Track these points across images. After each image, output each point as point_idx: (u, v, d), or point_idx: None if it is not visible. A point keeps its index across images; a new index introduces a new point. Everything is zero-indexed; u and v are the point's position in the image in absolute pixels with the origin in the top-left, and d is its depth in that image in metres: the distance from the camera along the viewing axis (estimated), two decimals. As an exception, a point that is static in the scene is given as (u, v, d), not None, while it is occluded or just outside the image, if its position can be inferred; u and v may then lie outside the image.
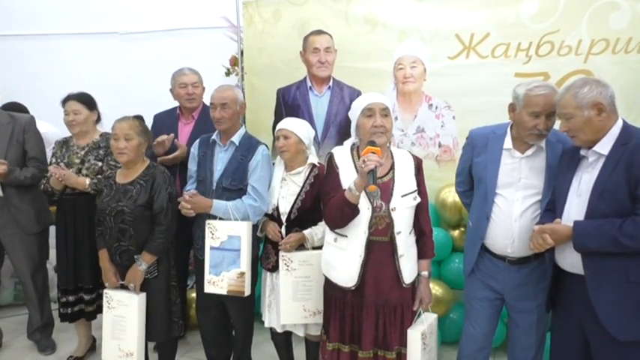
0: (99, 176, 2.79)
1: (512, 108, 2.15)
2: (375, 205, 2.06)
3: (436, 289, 3.03)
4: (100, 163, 2.86)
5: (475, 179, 2.30)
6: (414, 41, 3.29)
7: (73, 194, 2.84)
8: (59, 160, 2.90)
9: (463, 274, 2.36)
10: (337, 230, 2.12)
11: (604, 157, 1.87)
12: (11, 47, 4.57)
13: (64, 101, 2.90)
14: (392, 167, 2.13)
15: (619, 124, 1.89)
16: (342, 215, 2.03)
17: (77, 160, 2.88)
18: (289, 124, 2.52)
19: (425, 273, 2.20)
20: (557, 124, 2.14)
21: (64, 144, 2.97)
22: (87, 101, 2.92)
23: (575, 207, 1.91)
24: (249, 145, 2.58)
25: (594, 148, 1.89)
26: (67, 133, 2.99)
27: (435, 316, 2.25)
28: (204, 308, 2.73)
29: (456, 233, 3.22)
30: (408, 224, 2.12)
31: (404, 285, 2.11)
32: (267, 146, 2.64)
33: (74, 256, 2.90)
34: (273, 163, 2.64)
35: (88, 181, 2.76)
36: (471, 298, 2.32)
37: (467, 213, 2.64)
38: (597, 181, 1.86)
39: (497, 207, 2.17)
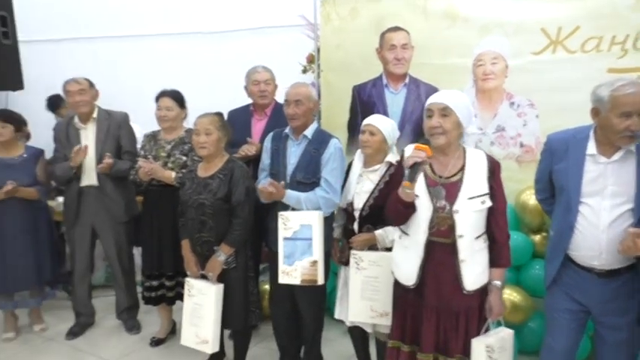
0: (183, 170, 2.94)
1: (595, 112, 1.99)
2: (437, 205, 1.99)
3: (514, 295, 2.91)
4: (184, 158, 3.01)
5: (556, 187, 2.16)
6: (496, 36, 3.15)
7: (159, 186, 3.01)
8: (147, 154, 3.08)
9: (544, 284, 2.23)
10: (402, 227, 2.10)
11: None
12: (108, 48, 4.90)
13: (158, 97, 3.07)
14: (462, 168, 2.03)
15: None
16: (396, 212, 2.02)
17: (164, 154, 3.05)
18: (378, 121, 2.51)
19: (497, 282, 2.04)
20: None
21: (152, 138, 3.15)
22: (179, 99, 3.09)
23: None
24: (322, 138, 2.61)
25: None
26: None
27: (510, 331, 2.10)
28: (276, 300, 2.79)
29: (537, 238, 3.05)
30: (474, 228, 2.00)
31: (464, 291, 2.00)
32: (339, 140, 2.66)
33: (158, 244, 3.08)
34: (351, 162, 2.64)
35: (173, 174, 2.92)
36: (552, 310, 2.18)
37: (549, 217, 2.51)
38: None
39: (582, 217, 2.02)
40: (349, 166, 2.65)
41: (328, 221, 2.60)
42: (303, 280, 2.50)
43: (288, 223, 2.51)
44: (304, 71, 4.13)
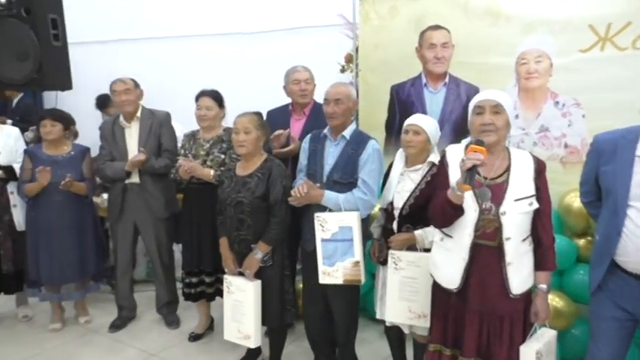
0: (222, 168, 2.99)
1: None
2: (483, 206, 1.95)
3: (556, 300, 2.82)
4: (222, 156, 3.06)
5: (603, 190, 2.07)
6: (540, 34, 3.07)
7: (199, 184, 3.06)
8: (187, 152, 3.15)
9: (588, 290, 2.15)
10: (443, 229, 2.06)
11: None
12: (151, 49, 5.03)
13: (198, 96, 3.13)
14: (508, 168, 1.98)
15: None
16: (443, 214, 1.97)
17: (203, 152, 3.10)
18: (422, 120, 2.48)
19: (543, 286, 2.01)
20: None
21: (191, 137, 3.21)
22: (218, 98, 3.15)
23: None
24: (360, 139, 2.60)
25: None
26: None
27: (553, 332, 2.06)
28: (309, 301, 2.79)
29: (581, 242, 2.95)
30: (521, 231, 1.96)
31: (511, 295, 1.96)
32: (377, 141, 2.64)
33: (198, 241, 3.13)
34: (392, 162, 2.62)
35: (212, 172, 2.98)
36: (597, 318, 2.10)
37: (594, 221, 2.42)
38: None
39: (630, 221, 1.93)
40: (390, 165, 2.62)
41: (364, 222, 2.59)
42: (345, 280, 2.51)
43: (325, 225, 2.51)
44: (342, 71, 4.13)
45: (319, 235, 2.53)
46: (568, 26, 3.00)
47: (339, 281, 2.51)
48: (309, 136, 2.77)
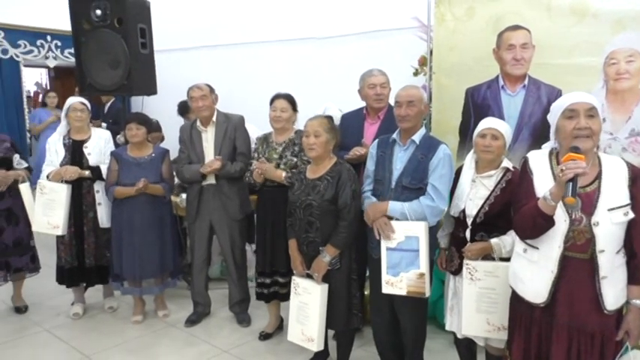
0: (293, 170, 3.04)
1: None
2: (573, 217, 1.83)
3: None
4: (294, 159, 3.11)
5: None
6: (631, 32, 2.85)
7: (273, 186, 3.14)
8: (260, 155, 3.23)
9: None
10: (527, 240, 1.95)
11: None
12: (229, 55, 5.24)
13: (273, 99, 3.21)
14: (598, 176, 1.85)
15: None
16: (534, 226, 1.87)
17: (276, 156, 3.17)
18: (499, 124, 2.41)
19: (637, 301, 1.86)
20: None
21: (264, 140, 3.29)
22: (292, 102, 3.22)
23: None
24: (430, 144, 2.54)
25: None
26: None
27: None
28: (376, 309, 2.76)
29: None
30: (615, 242, 1.82)
31: (605, 311, 1.83)
32: (447, 146, 2.57)
33: (272, 242, 3.19)
34: (459, 168, 2.55)
35: (284, 174, 3.04)
36: None
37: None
38: None
39: None
40: (458, 171, 2.55)
41: (432, 230, 2.53)
42: (409, 292, 2.45)
43: (392, 234, 2.48)
44: (415, 74, 4.06)
45: (384, 243, 2.49)
46: (665, 22, 2.77)
47: (403, 292, 2.46)
48: (376, 141, 2.74)
